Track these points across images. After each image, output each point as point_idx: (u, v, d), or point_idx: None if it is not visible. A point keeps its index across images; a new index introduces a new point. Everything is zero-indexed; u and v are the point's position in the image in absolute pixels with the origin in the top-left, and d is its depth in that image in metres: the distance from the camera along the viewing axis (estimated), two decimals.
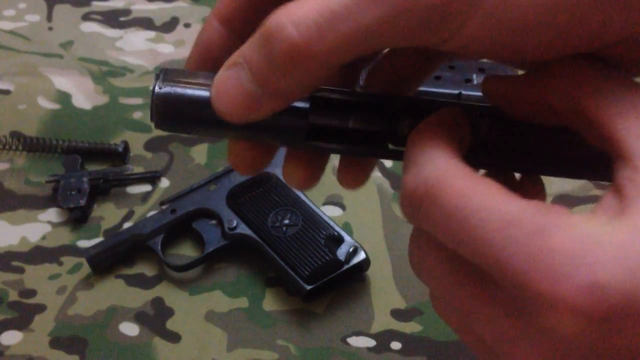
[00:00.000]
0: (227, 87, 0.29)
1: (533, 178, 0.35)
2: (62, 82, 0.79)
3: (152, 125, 0.32)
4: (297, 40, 0.26)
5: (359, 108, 0.33)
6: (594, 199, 0.67)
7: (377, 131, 0.33)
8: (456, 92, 0.75)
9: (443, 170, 0.27)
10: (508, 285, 0.25)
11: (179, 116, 0.31)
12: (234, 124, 0.30)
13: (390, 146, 0.34)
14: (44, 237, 0.67)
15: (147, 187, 0.70)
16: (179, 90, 0.31)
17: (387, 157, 0.35)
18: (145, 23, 0.85)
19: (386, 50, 0.36)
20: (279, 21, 0.27)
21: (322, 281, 0.59)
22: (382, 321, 0.60)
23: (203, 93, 0.31)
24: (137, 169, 0.71)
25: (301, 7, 0.27)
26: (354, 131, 0.33)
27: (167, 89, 0.31)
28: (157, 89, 0.31)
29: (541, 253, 0.24)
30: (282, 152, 0.72)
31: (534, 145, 0.33)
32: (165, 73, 0.32)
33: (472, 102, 0.34)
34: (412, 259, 0.31)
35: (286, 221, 0.62)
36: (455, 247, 0.27)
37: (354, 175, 0.36)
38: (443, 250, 0.28)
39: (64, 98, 0.77)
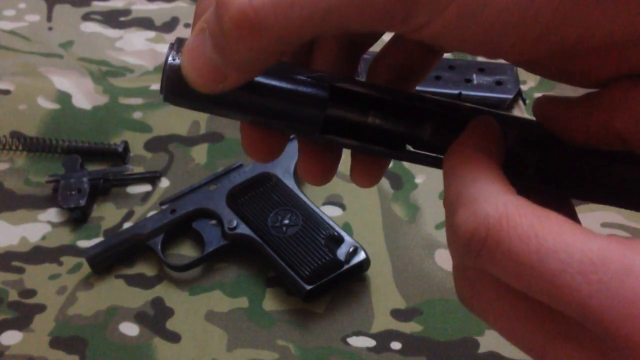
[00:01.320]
0: (193, 55, 0.27)
1: (561, 197, 0.32)
2: (62, 82, 0.79)
3: (161, 97, 0.30)
4: (248, 9, 0.25)
5: (380, 104, 0.31)
6: None
7: (396, 131, 0.31)
8: (456, 92, 0.75)
9: (504, 207, 0.24)
10: (593, 329, 0.23)
11: (190, 90, 0.29)
12: (243, 105, 0.29)
13: (409, 148, 0.32)
14: (44, 237, 0.67)
15: (147, 187, 0.70)
16: None
17: (403, 159, 0.32)
18: (145, 23, 0.85)
19: (386, 43, 0.35)
20: None
21: (322, 281, 0.59)
22: (382, 321, 0.60)
23: None
24: (137, 169, 0.71)
25: None
26: (372, 128, 0.31)
27: (179, 60, 0.29)
28: (170, 59, 0.29)
29: (632, 298, 0.22)
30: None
31: (587, 169, 0.30)
32: (180, 43, 0.30)
33: (503, 113, 0.32)
34: (462, 294, 0.29)
35: (286, 221, 0.62)
36: (527, 291, 0.24)
37: (367, 172, 0.34)
38: (504, 287, 0.26)
39: (64, 98, 0.77)
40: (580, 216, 0.33)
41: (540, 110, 0.31)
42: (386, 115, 0.31)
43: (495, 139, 0.28)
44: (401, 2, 0.25)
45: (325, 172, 0.34)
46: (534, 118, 0.32)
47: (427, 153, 0.31)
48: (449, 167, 0.28)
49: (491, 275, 0.26)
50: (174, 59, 0.29)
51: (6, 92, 0.78)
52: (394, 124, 0.31)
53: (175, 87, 0.29)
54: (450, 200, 0.27)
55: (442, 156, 0.29)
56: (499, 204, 0.25)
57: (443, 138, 0.31)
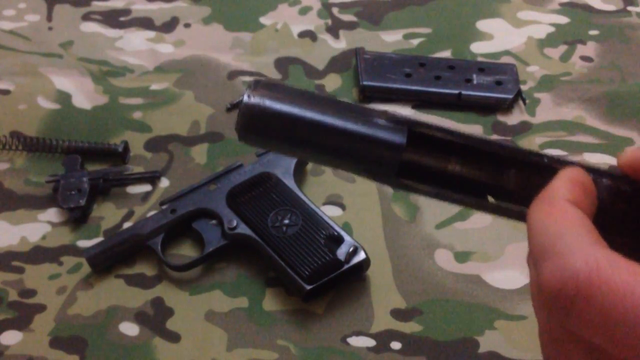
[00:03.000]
0: None
1: None
2: (62, 82, 0.79)
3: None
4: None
5: (460, 151, 0.29)
6: None
7: (478, 180, 0.30)
8: (456, 92, 0.75)
9: (595, 260, 0.23)
10: None
11: (264, 130, 0.29)
12: (318, 145, 0.28)
13: (490, 199, 0.30)
14: (44, 237, 0.67)
15: (147, 187, 0.70)
16: (268, 103, 0.29)
17: (484, 210, 0.30)
18: (145, 23, 0.85)
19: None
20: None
21: (322, 281, 0.59)
22: (382, 321, 0.60)
23: (293, 110, 0.28)
24: (137, 169, 0.71)
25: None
26: (452, 175, 0.30)
27: (256, 99, 0.29)
28: (245, 98, 0.29)
29: None
30: None
31: None
32: (257, 83, 0.30)
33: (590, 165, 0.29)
34: (549, 354, 0.27)
35: (286, 221, 0.62)
36: (622, 354, 0.23)
37: None
38: (596, 350, 0.24)
39: (64, 98, 0.77)
40: None
41: (627, 161, 0.29)
42: (468, 163, 0.30)
43: (586, 190, 0.27)
44: None
45: None
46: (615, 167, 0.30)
47: (510, 205, 0.29)
48: (535, 219, 0.26)
49: (581, 336, 0.24)
50: (249, 97, 0.29)
51: (6, 92, 0.78)
52: (476, 172, 0.30)
53: (249, 125, 0.29)
54: (536, 253, 0.25)
55: (525, 208, 0.28)
56: (589, 257, 0.23)
57: (528, 189, 0.28)
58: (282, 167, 0.66)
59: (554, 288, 0.23)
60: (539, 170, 0.29)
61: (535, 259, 0.25)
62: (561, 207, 0.25)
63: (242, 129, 0.29)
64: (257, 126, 0.29)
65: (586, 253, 0.23)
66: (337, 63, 0.80)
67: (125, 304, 0.62)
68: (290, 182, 0.65)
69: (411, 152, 0.29)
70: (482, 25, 0.85)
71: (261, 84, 0.29)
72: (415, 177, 0.30)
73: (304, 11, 0.86)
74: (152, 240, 0.64)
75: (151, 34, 0.84)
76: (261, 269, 0.64)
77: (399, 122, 0.29)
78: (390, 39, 0.83)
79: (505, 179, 0.30)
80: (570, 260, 0.23)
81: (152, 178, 0.71)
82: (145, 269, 0.65)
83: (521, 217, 0.28)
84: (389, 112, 0.30)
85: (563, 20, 0.85)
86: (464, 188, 0.30)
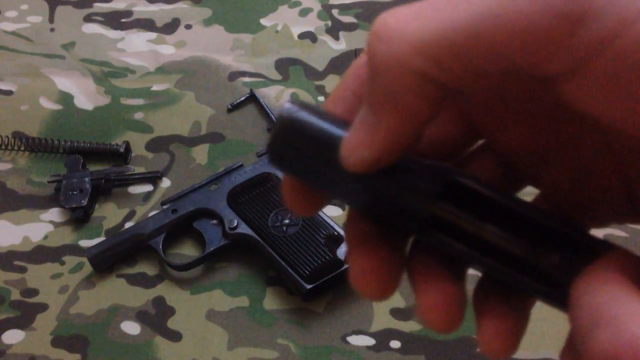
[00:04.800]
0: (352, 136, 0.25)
1: None
2: (64, 83, 0.79)
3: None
4: (387, 17, 0.23)
5: (502, 215, 0.26)
6: None
7: (514, 253, 0.26)
8: None
9: None
10: None
11: (296, 143, 0.26)
12: (354, 176, 0.25)
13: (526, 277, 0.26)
14: (46, 237, 0.67)
15: (148, 187, 0.71)
16: (305, 116, 0.26)
17: (514, 284, 0.26)
18: (147, 24, 0.86)
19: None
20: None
21: (322, 280, 0.60)
22: (382, 320, 0.61)
23: (330, 129, 0.26)
24: (139, 169, 0.72)
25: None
26: (485, 242, 0.26)
27: (295, 110, 0.27)
28: (285, 106, 0.27)
29: None
30: None
31: None
32: (296, 101, 0.27)
33: None
34: None
35: (286, 221, 0.63)
36: None
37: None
38: None
39: (65, 99, 0.78)
40: None
41: None
42: (509, 231, 0.26)
43: (635, 263, 0.24)
44: (567, 14, 0.21)
45: (387, 285, 0.27)
46: None
47: (547, 289, 0.26)
48: (582, 289, 0.23)
49: None
50: (289, 109, 0.27)
51: (8, 93, 0.79)
52: (515, 244, 0.26)
53: (286, 135, 0.27)
54: (583, 323, 0.22)
55: (565, 292, 0.24)
56: None
57: (569, 271, 0.25)
58: None
59: (608, 357, 0.21)
60: (584, 253, 0.25)
61: (581, 329, 0.22)
62: (610, 276, 0.23)
63: (277, 139, 0.27)
64: (292, 139, 0.26)
65: None
66: (337, 64, 0.80)
67: (127, 303, 0.63)
68: None
69: (445, 205, 0.26)
70: None
71: (300, 101, 0.28)
72: (446, 233, 0.26)
73: (304, 12, 0.86)
74: (153, 239, 0.64)
75: (152, 35, 0.85)
76: (261, 268, 0.64)
77: (435, 169, 0.26)
78: None
79: (548, 259, 0.26)
80: (626, 326, 0.21)
81: (153, 178, 0.71)
82: (147, 268, 0.65)
83: (557, 299, 0.26)
84: (422, 156, 0.27)
85: None
86: (499, 257, 0.26)
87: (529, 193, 0.29)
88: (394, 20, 0.23)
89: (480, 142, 0.30)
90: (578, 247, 0.25)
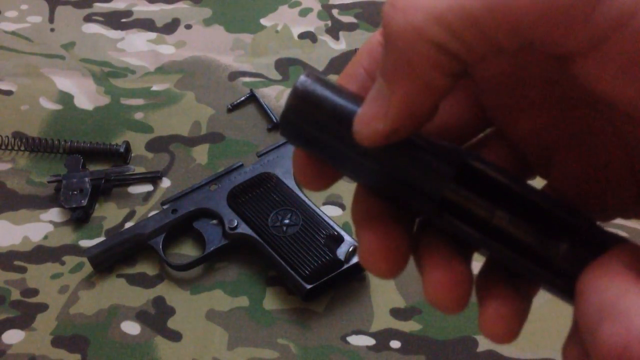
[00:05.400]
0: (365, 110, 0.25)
1: None
2: (64, 83, 0.79)
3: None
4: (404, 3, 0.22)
5: (513, 203, 0.26)
6: None
7: (523, 240, 0.26)
8: None
9: None
10: None
11: (310, 115, 0.26)
12: (366, 152, 0.25)
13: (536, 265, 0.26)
14: (46, 237, 0.67)
15: (148, 187, 0.71)
16: (320, 88, 0.26)
17: (524, 271, 0.26)
18: (147, 24, 0.86)
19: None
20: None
21: (322, 280, 0.60)
22: (382, 320, 0.61)
23: (345, 103, 0.26)
24: (139, 169, 0.72)
25: None
26: (494, 228, 0.26)
27: (310, 82, 0.26)
28: (301, 78, 0.26)
29: None
30: (283, 151, 0.72)
31: None
32: (313, 72, 0.27)
33: None
34: None
35: (286, 221, 0.63)
36: None
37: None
38: None
39: (66, 99, 0.78)
40: None
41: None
42: (520, 218, 0.26)
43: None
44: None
45: (396, 263, 0.27)
46: None
47: (555, 279, 0.26)
48: (589, 282, 0.23)
49: None
50: (305, 80, 0.26)
51: (8, 93, 0.79)
52: (525, 231, 0.26)
53: (299, 108, 0.26)
54: (590, 316, 0.22)
55: (572, 282, 0.25)
56: None
57: (576, 262, 0.25)
58: (283, 167, 0.67)
59: (614, 352, 0.21)
60: (593, 245, 0.25)
61: (588, 320, 0.22)
62: (618, 269, 0.23)
63: (291, 110, 0.26)
64: (306, 111, 0.26)
65: None
66: (337, 64, 0.80)
67: (127, 303, 0.63)
68: (290, 182, 0.66)
69: (456, 188, 0.26)
70: None
71: (317, 73, 0.27)
72: (456, 216, 0.26)
73: (304, 13, 0.86)
74: (153, 239, 0.64)
75: (152, 35, 0.85)
76: (261, 268, 0.64)
77: (450, 151, 0.26)
78: None
79: (554, 249, 0.26)
80: (636, 319, 0.21)
81: (153, 178, 0.71)
82: (147, 268, 0.65)
83: (564, 289, 0.26)
84: (438, 138, 0.27)
85: None
86: (508, 242, 0.26)
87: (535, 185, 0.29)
88: None
89: (490, 129, 0.29)
90: (587, 238, 0.25)
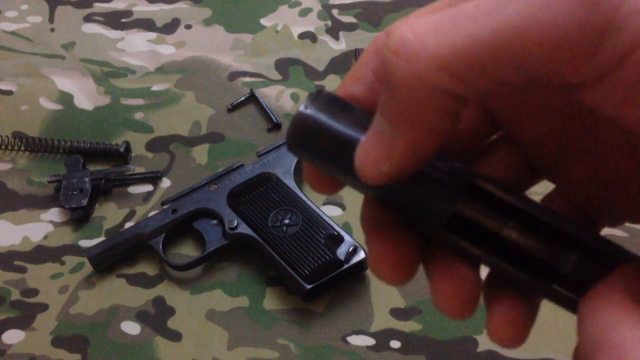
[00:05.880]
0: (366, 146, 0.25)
1: None
2: (64, 82, 0.79)
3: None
4: (406, 31, 0.22)
5: (520, 217, 0.26)
6: None
7: (532, 254, 0.26)
8: None
9: None
10: None
11: (311, 144, 0.26)
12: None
13: (546, 282, 0.26)
14: (46, 237, 0.68)
15: (148, 187, 0.71)
16: (323, 118, 0.26)
17: (537, 291, 0.26)
18: (147, 24, 0.86)
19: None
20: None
21: (322, 280, 0.60)
22: (382, 320, 0.61)
23: (348, 132, 0.26)
24: (139, 169, 0.72)
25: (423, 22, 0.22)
26: (503, 242, 0.26)
27: (311, 111, 0.27)
28: (301, 107, 0.27)
29: None
30: (283, 151, 0.72)
31: None
32: (318, 95, 0.27)
33: None
34: None
35: (286, 221, 0.63)
36: None
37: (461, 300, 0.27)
38: None
39: (66, 99, 0.78)
40: None
41: None
42: (527, 232, 0.26)
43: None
44: (592, 24, 0.21)
45: (406, 272, 0.27)
46: None
47: (564, 291, 0.26)
48: (589, 310, 0.23)
49: None
50: (305, 108, 0.27)
51: (8, 93, 0.79)
52: (533, 245, 0.26)
53: (296, 137, 0.27)
54: (588, 347, 0.22)
55: (578, 297, 0.25)
56: None
57: (585, 277, 0.25)
58: (283, 167, 0.67)
59: None
60: (601, 259, 0.25)
61: (586, 353, 0.23)
62: (618, 298, 0.23)
63: (291, 139, 0.27)
64: (304, 139, 0.27)
65: None
66: (337, 64, 0.80)
67: (127, 303, 0.63)
68: (290, 182, 0.66)
69: (465, 205, 0.26)
70: None
71: (322, 96, 0.27)
72: (463, 235, 0.26)
73: (304, 13, 0.86)
74: (153, 239, 0.64)
75: (152, 35, 0.85)
76: (261, 268, 0.64)
77: (457, 170, 0.26)
78: None
79: (564, 261, 0.26)
80: (630, 353, 0.21)
81: (153, 178, 0.71)
82: (147, 268, 0.65)
83: (572, 305, 0.26)
84: (447, 157, 0.27)
85: None
86: (515, 259, 0.26)
87: (540, 190, 0.29)
88: (412, 35, 0.22)
89: (498, 134, 0.30)
90: (594, 256, 0.25)
